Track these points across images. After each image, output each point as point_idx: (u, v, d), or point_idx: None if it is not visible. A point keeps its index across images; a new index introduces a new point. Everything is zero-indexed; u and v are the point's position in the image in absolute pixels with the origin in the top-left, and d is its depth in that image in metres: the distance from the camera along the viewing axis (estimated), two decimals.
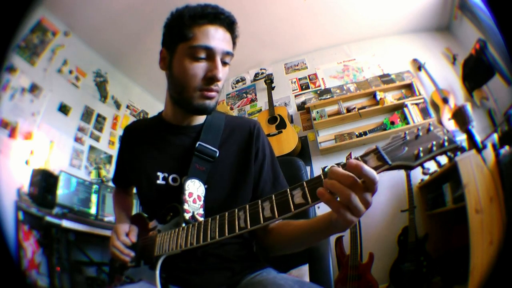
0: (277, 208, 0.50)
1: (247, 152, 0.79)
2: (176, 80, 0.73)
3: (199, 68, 0.70)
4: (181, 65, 0.70)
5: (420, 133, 0.47)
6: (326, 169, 0.48)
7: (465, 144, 0.45)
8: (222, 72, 0.70)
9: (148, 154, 0.81)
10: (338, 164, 0.48)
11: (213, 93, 0.72)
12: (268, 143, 0.85)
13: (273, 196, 0.52)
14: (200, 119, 0.82)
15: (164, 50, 0.76)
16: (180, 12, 0.72)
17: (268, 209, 0.51)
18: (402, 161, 0.45)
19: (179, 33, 0.70)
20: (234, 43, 0.76)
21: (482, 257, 1.45)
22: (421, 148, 0.45)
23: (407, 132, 0.49)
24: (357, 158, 0.47)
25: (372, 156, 0.47)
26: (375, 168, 0.45)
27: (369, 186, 0.44)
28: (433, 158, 0.45)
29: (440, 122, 2.66)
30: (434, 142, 0.45)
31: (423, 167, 0.46)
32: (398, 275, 2.26)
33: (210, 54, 0.69)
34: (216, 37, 0.70)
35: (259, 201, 0.54)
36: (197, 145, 0.75)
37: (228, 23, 0.72)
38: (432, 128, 0.47)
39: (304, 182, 0.49)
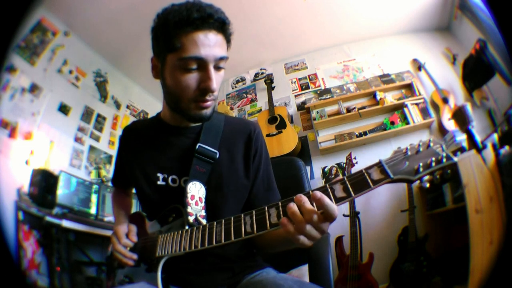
0: (284, 215, 0.52)
1: (246, 154, 0.80)
2: (170, 91, 0.71)
3: (192, 79, 0.66)
4: (172, 77, 0.68)
5: (421, 149, 0.51)
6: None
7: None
8: (216, 81, 0.67)
9: (147, 155, 0.80)
10: (339, 181, 0.52)
11: (208, 103, 0.69)
12: (265, 147, 0.85)
13: (280, 202, 0.54)
14: None
15: (154, 59, 0.73)
16: (165, 17, 0.66)
17: (274, 215, 0.53)
18: (403, 175, 0.49)
19: (166, 42, 0.66)
20: (228, 42, 0.71)
21: (482, 257, 1.45)
22: (421, 164, 0.48)
23: (408, 147, 0.53)
24: (361, 171, 0.50)
25: (375, 169, 0.50)
26: (378, 181, 0.49)
27: (328, 218, 0.49)
28: (431, 173, 0.50)
29: (440, 123, 2.66)
30: (433, 158, 0.48)
31: (421, 181, 0.49)
32: (398, 275, 2.26)
33: (202, 64, 0.65)
34: (206, 44, 0.64)
35: (266, 207, 0.55)
36: (197, 146, 0.75)
37: (218, 24, 0.66)
38: (432, 144, 0.51)
39: (310, 191, 0.52)
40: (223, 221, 0.59)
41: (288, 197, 0.53)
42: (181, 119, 0.78)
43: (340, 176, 0.56)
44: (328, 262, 0.86)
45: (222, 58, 0.67)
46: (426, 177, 2.34)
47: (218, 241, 0.58)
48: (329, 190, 0.50)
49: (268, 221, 0.53)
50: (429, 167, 0.48)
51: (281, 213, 0.52)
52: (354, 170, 1.93)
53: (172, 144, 0.80)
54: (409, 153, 0.51)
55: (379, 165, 0.50)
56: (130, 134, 0.89)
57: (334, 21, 3.03)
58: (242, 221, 0.56)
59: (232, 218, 0.58)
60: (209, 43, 0.64)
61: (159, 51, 0.70)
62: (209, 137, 0.78)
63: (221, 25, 0.66)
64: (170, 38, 0.65)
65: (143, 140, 0.83)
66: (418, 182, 2.46)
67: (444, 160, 0.48)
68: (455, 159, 0.48)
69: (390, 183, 0.50)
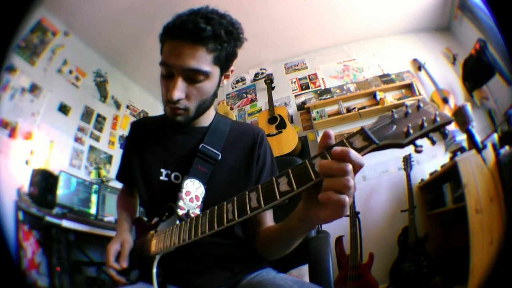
0: (263, 198, 0.49)
1: (250, 158, 0.80)
2: None
3: (164, 85, 0.71)
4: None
5: (409, 111, 0.45)
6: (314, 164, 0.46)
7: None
8: (187, 92, 0.69)
9: (153, 151, 0.82)
10: (319, 155, 0.46)
11: (178, 111, 0.72)
12: (270, 152, 0.86)
13: (260, 185, 0.51)
14: (206, 121, 0.83)
15: None
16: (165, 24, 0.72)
17: (254, 199, 0.50)
18: (391, 140, 0.43)
19: (161, 47, 0.72)
20: (216, 58, 0.68)
21: (482, 257, 1.45)
22: (410, 125, 0.42)
23: (394, 110, 0.46)
24: (342, 141, 0.45)
25: (358, 137, 0.45)
26: (362, 149, 0.43)
27: (356, 171, 0.43)
28: (426, 135, 0.42)
29: None
30: (425, 118, 0.42)
31: (415, 145, 0.43)
32: (398, 275, 2.26)
33: (170, 72, 0.68)
34: (174, 54, 0.66)
35: (247, 191, 0.53)
36: (200, 146, 0.76)
37: (191, 36, 0.64)
38: (422, 105, 0.45)
39: (289, 169, 0.48)
40: (208, 211, 0.58)
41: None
42: None
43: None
44: (328, 262, 0.86)
45: (193, 70, 0.66)
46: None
47: (203, 231, 0.56)
48: (308, 165, 0.46)
49: (248, 206, 0.50)
50: (421, 128, 0.42)
51: (261, 196, 0.49)
52: None
53: (177, 142, 0.81)
54: (396, 116, 0.45)
55: (362, 132, 0.45)
56: (138, 128, 0.90)
57: (334, 21, 3.03)
58: (224, 208, 0.55)
59: (216, 207, 0.57)
60: (178, 53, 0.66)
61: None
62: (214, 139, 0.79)
63: (194, 37, 0.64)
64: (161, 43, 0.72)
65: (150, 135, 0.85)
66: (421, 179, 2.47)
67: (439, 118, 0.41)
68: (452, 117, 0.41)
69: (377, 150, 0.44)
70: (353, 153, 0.42)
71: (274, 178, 0.49)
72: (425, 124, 0.42)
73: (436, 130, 0.42)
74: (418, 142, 0.44)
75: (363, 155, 0.44)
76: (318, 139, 2.92)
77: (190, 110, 0.73)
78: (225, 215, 0.54)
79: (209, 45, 0.66)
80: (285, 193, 0.47)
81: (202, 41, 0.65)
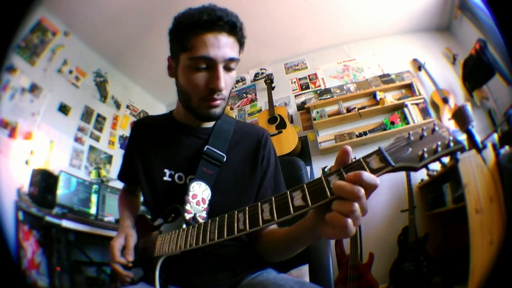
0: (276, 210, 0.49)
1: (254, 160, 0.80)
2: (182, 90, 0.74)
3: (201, 78, 0.69)
4: (184, 76, 0.71)
5: (425, 134, 0.46)
6: (326, 169, 0.47)
7: (465, 144, 0.45)
8: (224, 81, 0.69)
9: (156, 150, 0.82)
10: (335, 172, 0.47)
11: (217, 102, 0.72)
12: (274, 152, 0.86)
13: (273, 198, 0.51)
14: (210, 123, 0.83)
15: (170, 59, 0.77)
16: (179, 19, 0.70)
17: (267, 211, 0.50)
18: (406, 163, 0.44)
19: (179, 43, 0.70)
20: (241, 44, 0.74)
21: (482, 257, 1.45)
22: (425, 149, 0.43)
23: (411, 132, 0.47)
24: (359, 160, 0.46)
25: (374, 158, 0.45)
26: (378, 170, 0.44)
27: (370, 192, 0.44)
28: (438, 159, 0.44)
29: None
30: (439, 143, 0.43)
31: (427, 169, 0.45)
32: (398, 275, 2.26)
33: (211, 64, 0.68)
34: (215, 46, 0.67)
35: (259, 203, 0.53)
36: (205, 148, 0.76)
37: (229, 27, 0.68)
38: (437, 128, 0.46)
39: (305, 184, 0.48)
40: (217, 218, 0.58)
41: None
42: (194, 118, 0.79)
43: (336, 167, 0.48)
44: (328, 262, 0.86)
45: (232, 59, 0.70)
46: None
47: (212, 239, 0.56)
48: (324, 181, 0.47)
49: (261, 218, 0.50)
50: (435, 153, 0.43)
51: (274, 208, 0.49)
52: None
53: (182, 143, 0.81)
54: (412, 138, 0.46)
55: (379, 152, 0.45)
56: (141, 128, 0.90)
57: (334, 21, 3.03)
58: (235, 217, 0.54)
59: (226, 215, 0.57)
60: (218, 44, 0.67)
61: (174, 51, 0.74)
62: (218, 141, 0.79)
63: (231, 27, 0.68)
64: (182, 39, 0.69)
65: (153, 135, 0.85)
66: (421, 179, 2.48)
67: (452, 144, 0.42)
68: (464, 142, 0.42)
69: (391, 172, 0.45)
70: (366, 176, 0.43)
71: (288, 192, 0.49)
72: (439, 149, 0.43)
73: (449, 155, 0.43)
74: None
75: (377, 176, 0.44)
76: (318, 139, 2.92)
77: (226, 99, 0.74)
78: (235, 224, 0.54)
79: (237, 36, 0.71)
80: (299, 208, 0.47)
81: (236, 32, 0.70)
